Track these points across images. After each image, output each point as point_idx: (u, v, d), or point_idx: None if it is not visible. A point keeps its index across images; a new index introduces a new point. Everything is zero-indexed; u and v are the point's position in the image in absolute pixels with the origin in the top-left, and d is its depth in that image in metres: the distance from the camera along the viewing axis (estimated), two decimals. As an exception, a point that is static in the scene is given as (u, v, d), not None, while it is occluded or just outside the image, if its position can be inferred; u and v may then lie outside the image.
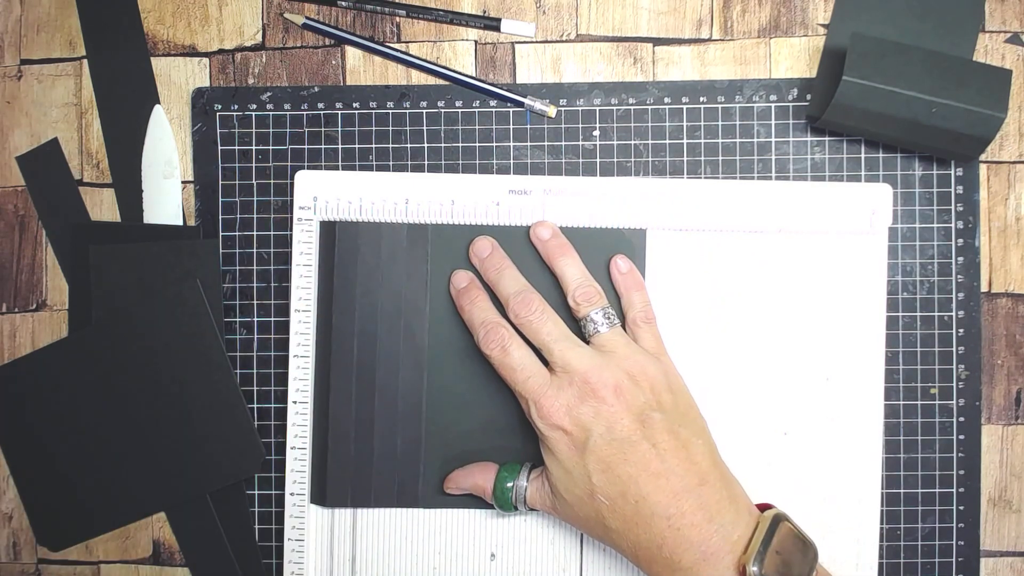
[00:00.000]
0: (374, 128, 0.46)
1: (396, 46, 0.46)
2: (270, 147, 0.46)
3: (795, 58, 0.46)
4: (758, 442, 0.44)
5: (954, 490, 0.45)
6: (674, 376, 0.41)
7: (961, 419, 0.45)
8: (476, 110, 0.46)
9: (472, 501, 0.44)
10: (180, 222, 0.46)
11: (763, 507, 0.38)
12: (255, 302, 0.46)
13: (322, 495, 0.44)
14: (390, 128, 0.46)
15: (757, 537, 0.36)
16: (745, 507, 0.37)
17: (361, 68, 0.46)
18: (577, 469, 0.38)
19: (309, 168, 0.46)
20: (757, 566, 0.34)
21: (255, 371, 0.46)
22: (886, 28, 0.44)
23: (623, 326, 0.42)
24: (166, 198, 0.46)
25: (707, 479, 0.37)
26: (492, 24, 0.46)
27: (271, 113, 0.46)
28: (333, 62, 0.46)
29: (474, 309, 0.42)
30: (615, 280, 0.43)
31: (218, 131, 0.46)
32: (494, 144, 0.46)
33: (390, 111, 0.46)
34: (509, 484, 0.41)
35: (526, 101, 0.45)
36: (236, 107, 0.46)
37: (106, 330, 0.46)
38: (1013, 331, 0.45)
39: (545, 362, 0.40)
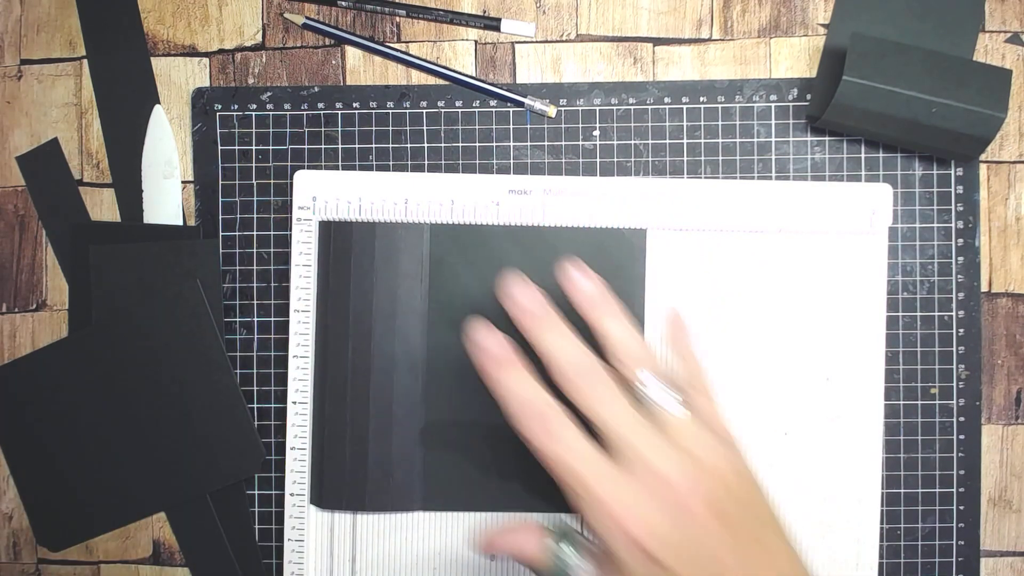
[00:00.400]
0: (374, 128, 0.46)
1: (396, 46, 0.46)
2: (270, 147, 0.46)
3: (795, 58, 0.46)
4: (758, 442, 0.44)
5: (954, 490, 0.45)
6: (746, 467, 0.35)
7: (961, 419, 0.45)
8: (476, 110, 0.46)
9: (470, 503, 0.44)
10: (180, 222, 0.46)
11: None
12: (255, 302, 0.46)
13: (319, 497, 0.44)
14: (390, 128, 0.46)
15: None
16: None
17: (361, 68, 0.46)
18: None
19: (309, 168, 0.46)
20: None
21: (255, 371, 0.46)
22: (886, 28, 0.44)
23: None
24: (166, 198, 0.46)
25: None
26: (492, 24, 0.46)
27: (271, 113, 0.46)
28: (333, 62, 0.46)
29: (514, 385, 0.35)
30: (669, 336, 0.41)
31: (218, 131, 0.46)
32: (494, 144, 0.46)
33: (390, 111, 0.46)
34: (562, 558, 0.34)
35: (526, 101, 0.45)
36: (236, 107, 0.46)
37: (106, 330, 0.46)
38: (1013, 331, 0.45)
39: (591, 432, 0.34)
